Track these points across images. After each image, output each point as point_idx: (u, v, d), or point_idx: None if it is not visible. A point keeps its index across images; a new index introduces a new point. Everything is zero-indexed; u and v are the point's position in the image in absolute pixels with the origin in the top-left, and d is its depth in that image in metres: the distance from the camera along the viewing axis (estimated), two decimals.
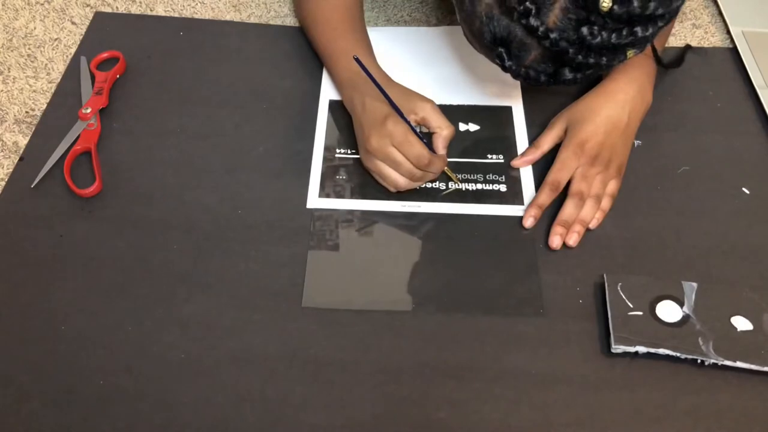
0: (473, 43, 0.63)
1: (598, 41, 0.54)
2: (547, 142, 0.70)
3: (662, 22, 0.55)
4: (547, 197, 0.66)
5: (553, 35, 0.54)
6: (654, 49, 0.71)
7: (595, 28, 0.54)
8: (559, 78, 0.59)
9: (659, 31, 0.56)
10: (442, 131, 0.65)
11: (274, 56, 0.80)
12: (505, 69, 0.60)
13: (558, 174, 0.66)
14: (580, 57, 0.56)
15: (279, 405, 0.55)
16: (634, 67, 0.70)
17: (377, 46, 0.75)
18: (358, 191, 0.68)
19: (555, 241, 0.64)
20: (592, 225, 0.65)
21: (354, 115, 0.68)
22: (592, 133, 0.66)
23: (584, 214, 0.65)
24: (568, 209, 0.65)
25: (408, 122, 0.63)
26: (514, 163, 0.70)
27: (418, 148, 0.62)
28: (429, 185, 0.68)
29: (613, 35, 0.54)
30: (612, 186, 0.66)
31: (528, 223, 0.65)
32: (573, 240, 0.64)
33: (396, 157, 0.63)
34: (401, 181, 0.65)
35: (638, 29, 0.54)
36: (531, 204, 0.66)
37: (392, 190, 0.66)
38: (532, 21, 0.54)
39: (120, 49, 0.79)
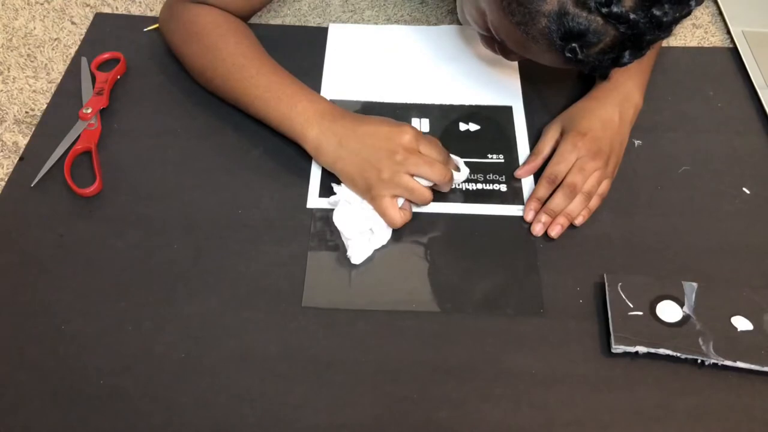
0: (526, 46, 0.61)
1: (669, 18, 0.55)
2: (546, 146, 0.69)
3: None
4: (545, 190, 0.66)
5: (632, 17, 0.54)
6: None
7: (666, 5, 0.54)
8: (618, 61, 0.59)
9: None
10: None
11: (274, 56, 0.80)
12: (575, 62, 0.59)
13: (556, 167, 0.66)
14: (649, 37, 0.57)
15: (279, 405, 0.55)
16: (618, 73, 0.70)
17: (378, 46, 0.75)
18: None
19: (537, 228, 0.64)
20: (577, 222, 0.65)
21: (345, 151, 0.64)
22: (589, 127, 0.67)
23: (572, 208, 0.64)
24: (557, 199, 0.65)
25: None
26: (518, 173, 0.69)
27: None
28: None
29: (677, 8, 0.55)
30: (604, 186, 0.66)
31: (529, 216, 0.65)
32: (555, 232, 0.64)
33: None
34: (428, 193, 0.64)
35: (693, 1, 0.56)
36: (530, 197, 0.66)
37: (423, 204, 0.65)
38: (614, 8, 0.54)
39: (120, 50, 0.79)
